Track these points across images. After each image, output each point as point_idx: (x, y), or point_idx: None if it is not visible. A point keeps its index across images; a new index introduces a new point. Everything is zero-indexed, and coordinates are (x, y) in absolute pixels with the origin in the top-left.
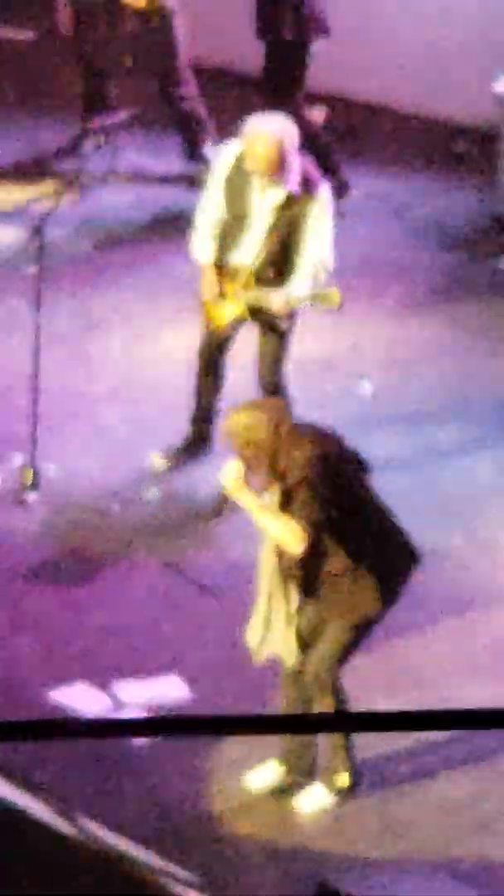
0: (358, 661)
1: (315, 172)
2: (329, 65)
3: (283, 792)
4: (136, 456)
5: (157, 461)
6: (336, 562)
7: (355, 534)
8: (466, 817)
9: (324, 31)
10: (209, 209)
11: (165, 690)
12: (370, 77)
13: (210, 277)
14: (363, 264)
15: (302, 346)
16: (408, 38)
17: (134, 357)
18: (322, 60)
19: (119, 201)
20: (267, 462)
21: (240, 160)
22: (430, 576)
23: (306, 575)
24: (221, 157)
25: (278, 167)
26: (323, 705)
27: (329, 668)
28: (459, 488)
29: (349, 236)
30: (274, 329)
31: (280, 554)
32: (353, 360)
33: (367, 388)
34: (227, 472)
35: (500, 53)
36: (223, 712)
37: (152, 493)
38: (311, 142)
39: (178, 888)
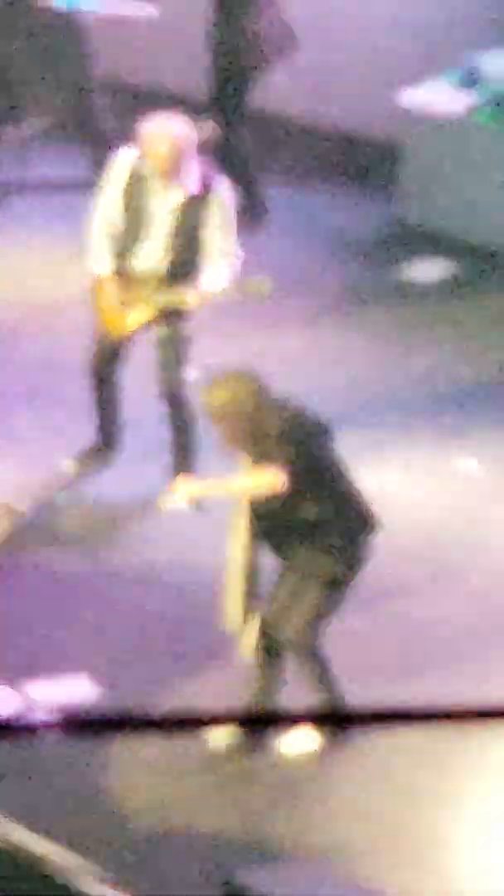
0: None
1: (212, 171)
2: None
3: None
4: (48, 460)
5: (69, 465)
6: (306, 516)
7: (323, 494)
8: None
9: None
10: (104, 218)
11: (75, 690)
12: (274, 90)
13: (109, 287)
14: (269, 274)
15: (210, 355)
16: (312, 52)
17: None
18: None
19: (30, 210)
20: (247, 429)
21: (135, 166)
22: None
23: (277, 531)
24: (115, 164)
25: (177, 168)
26: (305, 671)
27: (303, 629)
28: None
29: (255, 247)
30: (174, 336)
31: (253, 516)
32: (259, 368)
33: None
34: (178, 490)
35: (404, 66)
36: (132, 711)
37: (62, 496)
38: (231, 162)
39: (92, 884)
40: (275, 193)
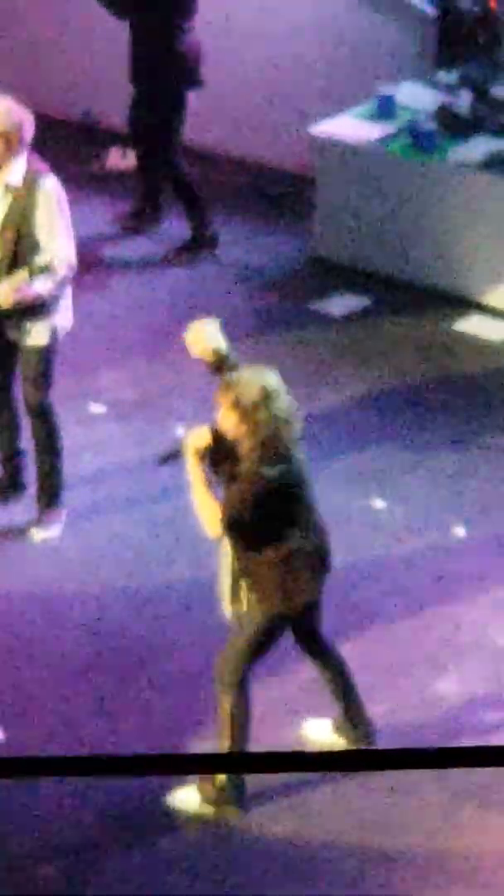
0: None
1: (41, 165)
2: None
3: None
4: None
5: None
6: (265, 550)
7: (283, 531)
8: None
9: (197, 81)
10: None
11: None
12: (186, 120)
13: None
14: (180, 307)
15: (118, 389)
16: (226, 82)
17: None
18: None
19: None
20: (239, 437)
21: None
22: None
23: (236, 554)
24: None
25: (0, 159)
26: (221, 709)
27: (232, 663)
28: None
29: (162, 277)
30: (32, 347)
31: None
32: (171, 402)
33: (182, 431)
34: (197, 434)
35: (315, 97)
36: (37, 753)
37: None
38: (184, 194)
39: None
40: (182, 223)
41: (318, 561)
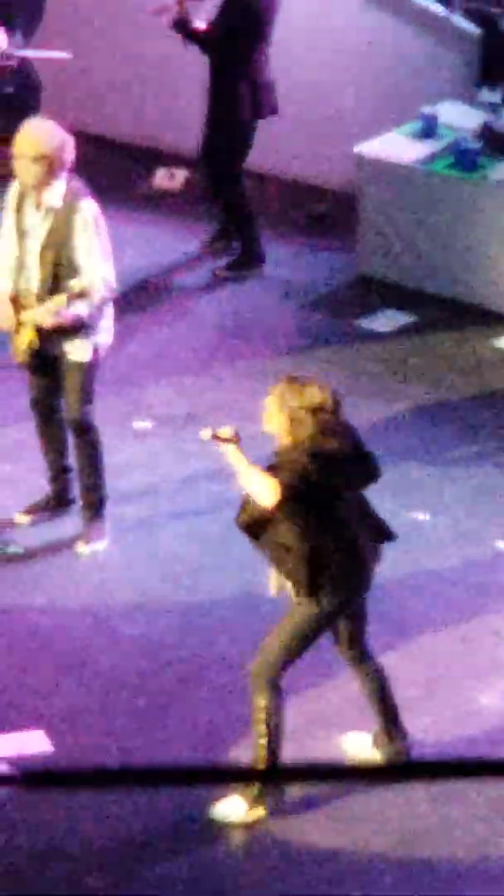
0: None
1: (81, 187)
2: (188, 125)
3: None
4: (0, 512)
5: (19, 518)
6: (288, 540)
7: (321, 528)
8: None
9: (273, 110)
10: (5, 243)
11: (28, 744)
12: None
13: (3, 310)
14: (226, 325)
15: (165, 405)
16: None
17: (0, 414)
18: (187, 121)
19: None
20: (281, 433)
21: (20, 187)
22: None
23: (270, 544)
24: (11, 189)
25: (42, 183)
26: (255, 708)
27: (270, 661)
28: None
29: (210, 295)
30: (74, 363)
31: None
32: (217, 418)
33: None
34: (228, 429)
35: (360, 117)
36: (85, 765)
37: (15, 549)
38: (230, 212)
39: None
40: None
41: (353, 571)
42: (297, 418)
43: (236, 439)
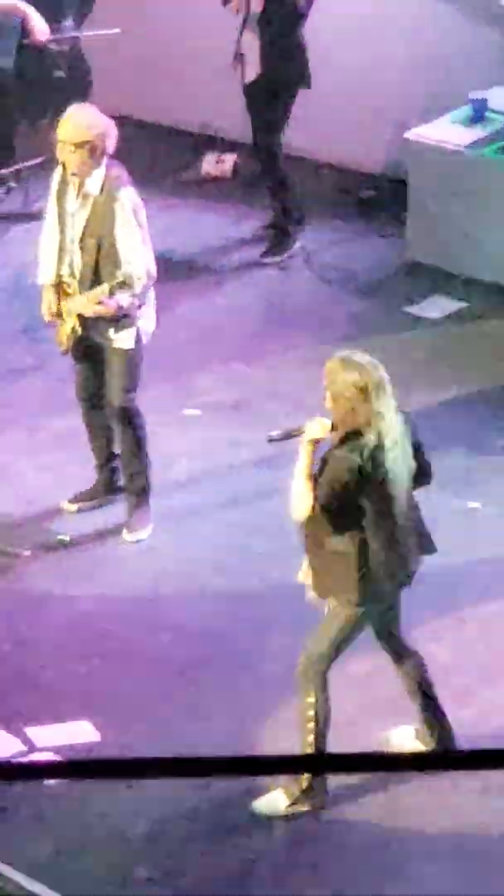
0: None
1: (122, 175)
2: (237, 111)
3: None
4: (47, 501)
5: (67, 506)
6: (335, 545)
7: (361, 522)
8: None
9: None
10: (46, 228)
11: (77, 734)
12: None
13: (46, 298)
14: (274, 312)
15: (213, 393)
16: (319, 86)
17: (46, 403)
18: (232, 107)
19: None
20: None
21: (61, 171)
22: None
23: (314, 547)
24: (54, 175)
25: (84, 170)
26: (304, 705)
27: (317, 659)
28: None
29: (257, 282)
30: (118, 351)
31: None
32: (265, 406)
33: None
34: (320, 423)
35: (409, 102)
36: (133, 755)
37: (62, 538)
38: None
39: None
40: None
41: (398, 561)
42: (348, 397)
43: (317, 441)
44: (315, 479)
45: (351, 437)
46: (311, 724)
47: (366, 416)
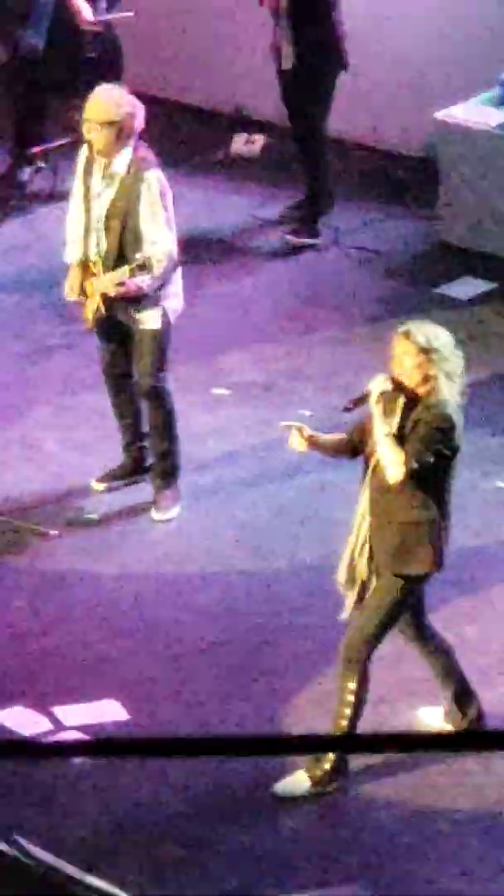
0: None
1: (149, 156)
2: (268, 92)
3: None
4: (75, 480)
5: (95, 485)
6: (415, 513)
7: (440, 496)
8: None
9: (344, 66)
10: (72, 208)
11: (104, 713)
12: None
13: (73, 277)
14: (303, 292)
15: (243, 372)
16: (350, 67)
17: (74, 382)
18: (264, 88)
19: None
20: (407, 392)
21: (87, 151)
22: None
23: (387, 515)
24: (81, 151)
25: (110, 150)
26: (344, 688)
27: (365, 641)
28: None
29: (288, 262)
30: (145, 331)
31: (374, 489)
32: (294, 386)
33: (305, 414)
34: (380, 380)
35: (443, 84)
36: (162, 735)
37: (90, 516)
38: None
39: None
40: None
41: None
42: (433, 360)
43: (386, 396)
44: (403, 438)
45: (430, 396)
46: (349, 710)
47: (458, 368)
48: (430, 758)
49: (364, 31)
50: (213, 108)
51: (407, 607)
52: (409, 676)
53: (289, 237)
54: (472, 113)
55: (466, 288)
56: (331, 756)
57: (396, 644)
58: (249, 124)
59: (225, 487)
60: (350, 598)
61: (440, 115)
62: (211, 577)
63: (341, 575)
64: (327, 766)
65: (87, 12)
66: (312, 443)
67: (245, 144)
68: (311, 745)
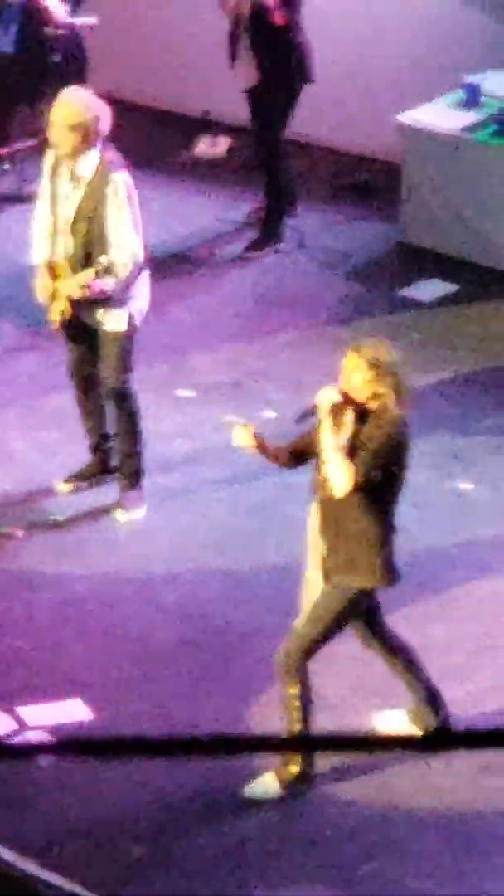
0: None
1: (116, 159)
2: (233, 94)
3: None
4: (41, 481)
5: (61, 486)
6: (364, 526)
7: (387, 510)
8: None
9: (307, 79)
10: (40, 210)
11: (69, 713)
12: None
13: (39, 278)
14: (268, 294)
15: (208, 374)
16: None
17: (40, 383)
18: (229, 90)
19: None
20: (356, 406)
21: (56, 154)
22: None
23: (334, 526)
24: (47, 156)
25: (76, 152)
26: (288, 697)
27: (301, 650)
28: None
29: (252, 265)
30: (110, 332)
31: (322, 500)
32: (259, 387)
33: (270, 415)
34: (328, 393)
35: (403, 85)
36: (127, 735)
37: (55, 517)
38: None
39: None
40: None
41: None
42: (394, 376)
43: (335, 408)
44: (352, 451)
45: (380, 411)
46: (297, 714)
47: (399, 395)
48: (394, 758)
49: (328, 33)
50: (179, 110)
51: (354, 618)
52: (372, 676)
53: (248, 254)
54: (436, 115)
55: (430, 290)
56: (298, 758)
57: (356, 644)
58: (215, 126)
59: (190, 488)
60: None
61: (403, 117)
62: (177, 577)
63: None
64: (295, 768)
65: (59, 12)
66: (259, 446)
67: (210, 147)
68: (280, 745)
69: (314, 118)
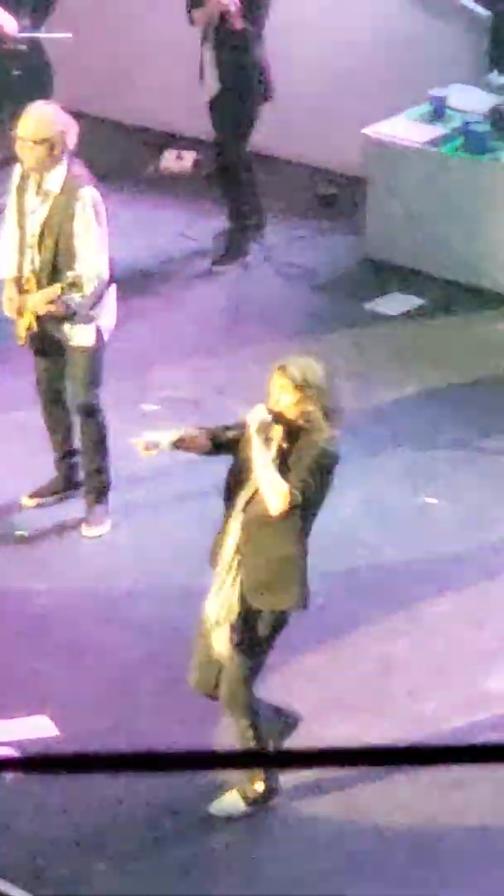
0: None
1: (84, 173)
2: (199, 109)
3: None
4: (6, 495)
5: (26, 501)
6: (288, 548)
7: (306, 532)
8: None
9: (266, 96)
10: (7, 226)
11: (34, 729)
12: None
13: (6, 293)
14: (233, 308)
15: (172, 388)
16: (278, 83)
17: (5, 397)
18: (195, 105)
19: None
20: (286, 424)
21: (23, 169)
22: None
23: (258, 545)
24: (14, 171)
25: (42, 167)
26: (241, 730)
27: (244, 682)
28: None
29: (216, 278)
30: (78, 348)
31: (249, 518)
32: (224, 402)
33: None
34: (258, 411)
35: (368, 99)
36: (93, 750)
37: (21, 532)
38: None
39: None
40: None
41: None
42: (323, 395)
43: (265, 427)
44: (283, 470)
45: (309, 430)
46: (252, 743)
47: (335, 404)
48: (360, 774)
49: (292, 46)
50: (143, 124)
51: (274, 640)
52: (338, 689)
53: (214, 269)
54: (401, 129)
55: (395, 304)
56: (262, 775)
57: (325, 656)
58: (179, 141)
59: (156, 503)
60: (222, 632)
61: (368, 131)
62: (142, 592)
63: (211, 611)
64: (260, 785)
65: (10, 28)
66: (182, 447)
67: (175, 161)
68: (245, 761)
69: (280, 132)
